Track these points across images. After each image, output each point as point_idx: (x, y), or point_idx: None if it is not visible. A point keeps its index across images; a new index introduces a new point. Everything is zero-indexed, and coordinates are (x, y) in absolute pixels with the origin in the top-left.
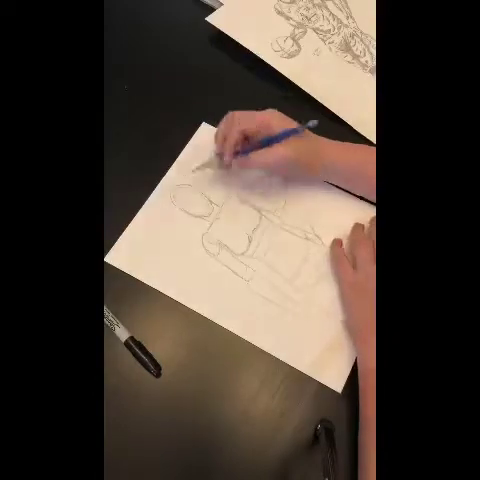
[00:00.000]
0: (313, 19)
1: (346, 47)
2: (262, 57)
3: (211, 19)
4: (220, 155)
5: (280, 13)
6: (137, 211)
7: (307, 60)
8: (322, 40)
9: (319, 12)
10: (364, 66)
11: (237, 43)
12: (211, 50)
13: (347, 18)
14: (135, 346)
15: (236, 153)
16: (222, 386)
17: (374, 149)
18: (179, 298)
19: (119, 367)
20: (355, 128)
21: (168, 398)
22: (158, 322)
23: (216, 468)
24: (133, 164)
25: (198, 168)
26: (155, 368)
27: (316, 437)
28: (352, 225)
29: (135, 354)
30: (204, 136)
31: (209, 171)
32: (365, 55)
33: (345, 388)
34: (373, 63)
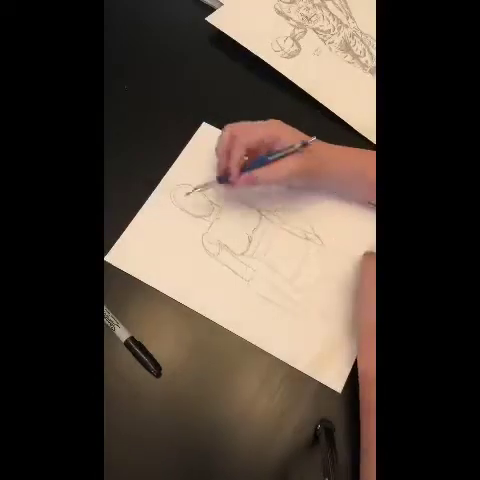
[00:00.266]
0: (313, 19)
1: (346, 47)
2: (262, 57)
3: (211, 19)
4: (222, 172)
5: (280, 13)
6: (137, 211)
7: (307, 60)
8: (322, 40)
9: (319, 12)
10: (364, 66)
11: (237, 43)
12: (211, 50)
13: (347, 18)
14: (135, 346)
15: (241, 170)
16: (222, 386)
17: (369, 152)
18: (179, 298)
19: (119, 367)
20: (355, 128)
21: (168, 398)
22: (158, 322)
23: (216, 468)
24: (133, 164)
25: (198, 189)
26: (155, 368)
27: (316, 437)
28: (352, 225)
29: (135, 354)
30: (204, 136)
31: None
32: (365, 55)
33: (345, 388)
34: (373, 63)
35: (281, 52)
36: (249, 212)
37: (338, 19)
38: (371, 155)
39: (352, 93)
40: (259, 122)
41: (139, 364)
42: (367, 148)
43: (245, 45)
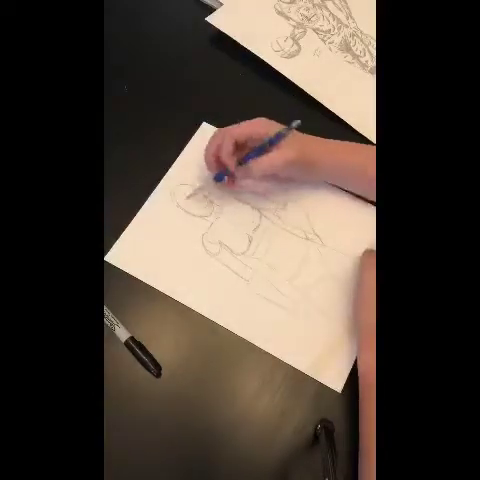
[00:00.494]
0: (313, 19)
1: (346, 47)
2: (262, 57)
3: (211, 19)
4: (216, 169)
5: (280, 13)
6: (137, 211)
7: (307, 60)
8: (322, 40)
9: (319, 12)
10: (364, 66)
11: (237, 43)
12: (211, 50)
13: (347, 18)
14: (135, 346)
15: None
16: (222, 386)
17: (369, 147)
18: (179, 298)
19: (119, 367)
20: (355, 128)
21: (168, 398)
22: (158, 322)
23: (216, 468)
24: (133, 164)
25: (192, 194)
26: (155, 368)
27: (316, 437)
28: (352, 225)
29: (135, 354)
30: (204, 136)
31: (208, 179)
32: (365, 55)
33: (345, 388)
34: (373, 63)
35: (281, 52)
36: (249, 212)
37: (338, 19)
38: (368, 148)
39: (352, 93)
40: (245, 121)
41: (139, 364)
42: None
43: (245, 45)
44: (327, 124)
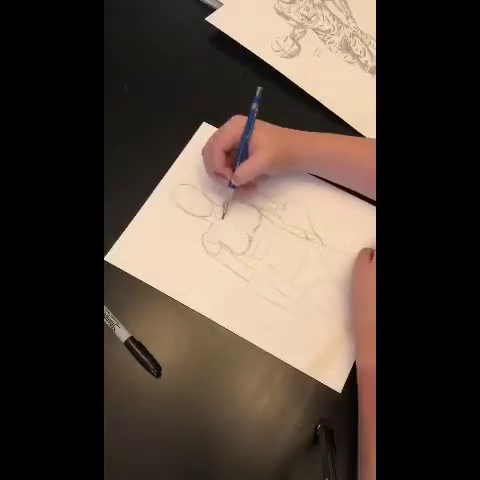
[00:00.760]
0: (313, 19)
1: (346, 47)
2: (262, 57)
3: (211, 19)
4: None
5: (280, 13)
6: (137, 211)
7: (307, 60)
8: (322, 40)
9: (319, 12)
10: (364, 66)
11: (237, 43)
12: (211, 50)
13: (347, 18)
14: (135, 346)
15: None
16: (222, 386)
17: (348, 137)
18: (179, 298)
19: (119, 367)
20: (355, 128)
21: (168, 398)
22: (158, 322)
23: (216, 468)
24: (133, 164)
25: (224, 210)
26: (155, 368)
27: (316, 437)
28: (352, 225)
29: (135, 354)
30: (204, 136)
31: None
32: (365, 55)
33: (345, 388)
34: (373, 63)
35: (281, 52)
36: (249, 212)
37: (338, 19)
38: (347, 137)
39: (352, 93)
40: (224, 124)
41: (139, 364)
42: None
43: (245, 45)
44: (327, 124)
